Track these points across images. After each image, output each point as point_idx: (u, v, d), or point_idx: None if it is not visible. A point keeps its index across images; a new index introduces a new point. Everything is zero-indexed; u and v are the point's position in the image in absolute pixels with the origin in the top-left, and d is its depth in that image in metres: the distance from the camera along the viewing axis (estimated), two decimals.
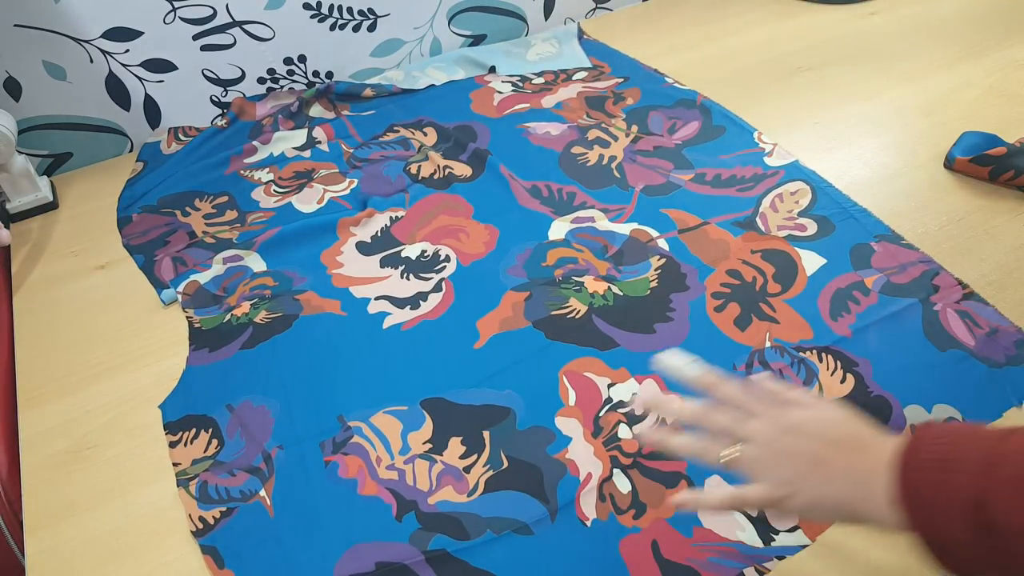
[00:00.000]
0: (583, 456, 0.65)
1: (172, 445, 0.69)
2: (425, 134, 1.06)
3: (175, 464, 0.67)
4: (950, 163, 0.91)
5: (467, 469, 0.65)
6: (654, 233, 0.86)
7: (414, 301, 0.81)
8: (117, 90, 1.04)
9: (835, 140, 0.99)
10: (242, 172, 1.02)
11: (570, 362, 0.73)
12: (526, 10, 1.27)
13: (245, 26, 1.06)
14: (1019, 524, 0.36)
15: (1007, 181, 0.86)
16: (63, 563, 0.61)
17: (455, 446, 0.67)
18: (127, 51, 1.01)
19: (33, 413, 0.73)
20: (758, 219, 0.87)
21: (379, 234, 0.90)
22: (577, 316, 0.77)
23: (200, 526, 0.62)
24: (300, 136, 1.07)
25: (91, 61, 0.99)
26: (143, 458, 0.68)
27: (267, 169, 1.02)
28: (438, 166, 0.99)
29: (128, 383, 0.75)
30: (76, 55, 0.98)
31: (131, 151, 1.11)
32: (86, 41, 0.97)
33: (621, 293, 0.79)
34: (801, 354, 0.72)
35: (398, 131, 1.07)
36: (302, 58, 1.13)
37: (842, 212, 0.86)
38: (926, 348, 0.71)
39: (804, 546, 0.58)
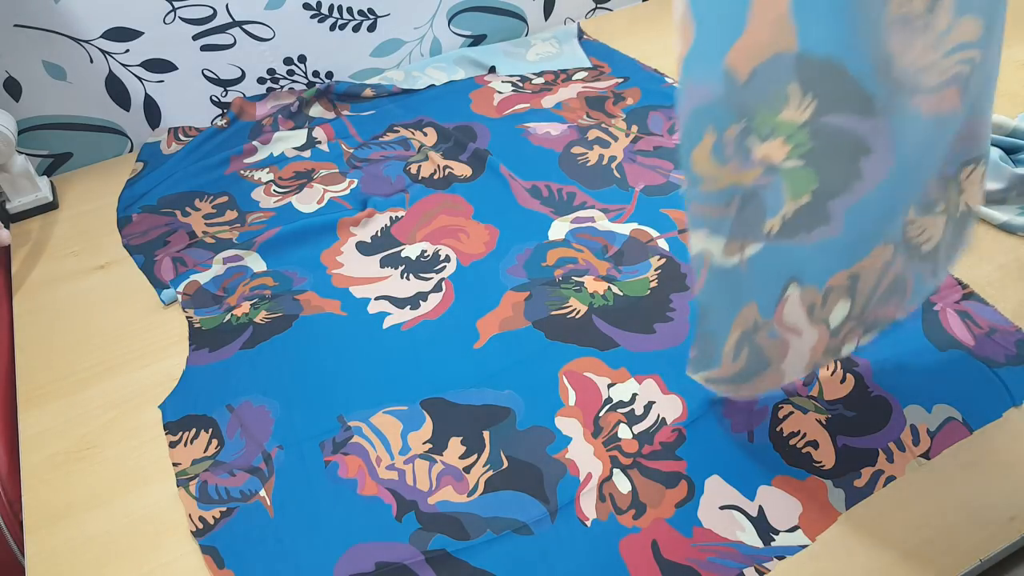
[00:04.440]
0: (583, 456, 0.65)
1: (172, 445, 0.69)
2: (425, 134, 1.06)
3: (175, 464, 0.67)
4: None
5: (467, 469, 0.65)
6: (654, 233, 0.86)
7: (414, 301, 0.81)
8: (117, 90, 1.04)
9: None
10: (242, 172, 1.02)
11: (570, 362, 0.73)
12: (526, 10, 1.27)
13: (245, 26, 1.06)
14: None
15: None
16: (63, 563, 0.61)
17: (455, 446, 0.67)
18: (127, 51, 1.01)
19: (33, 413, 0.73)
20: None
21: (379, 234, 0.90)
22: (577, 316, 0.77)
23: (200, 526, 0.62)
24: (300, 136, 1.07)
25: (91, 61, 0.99)
26: (143, 458, 0.68)
27: (267, 169, 1.02)
28: (438, 166, 0.99)
29: (128, 383, 0.75)
30: (76, 55, 0.98)
31: (131, 151, 1.11)
32: (86, 41, 0.97)
33: (621, 293, 0.79)
34: None
35: (398, 131, 1.07)
36: (302, 58, 1.13)
37: None
38: (926, 348, 0.71)
39: (804, 546, 0.58)
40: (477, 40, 1.27)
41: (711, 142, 0.48)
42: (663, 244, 0.84)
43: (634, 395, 0.70)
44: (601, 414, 0.68)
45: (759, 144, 0.47)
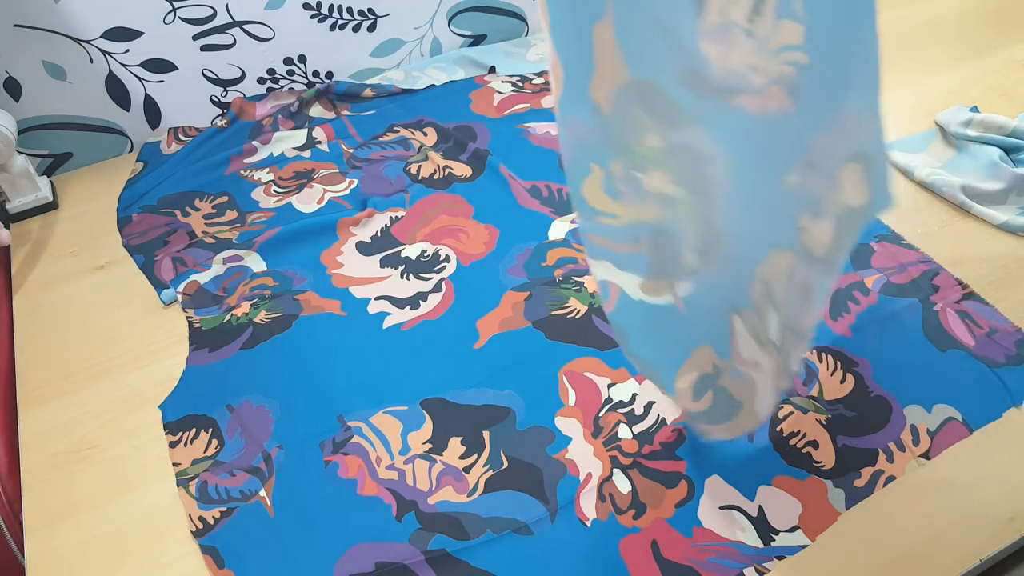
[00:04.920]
0: (583, 456, 0.65)
1: (172, 445, 0.69)
2: (425, 134, 1.06)
3: (175, 464, 0.67)
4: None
5: (467, 469, 0.65)
6: None
7: (414, 301, 0.81)
8: (117, 90, 1.04)
9: None
10: (242, 172, 1.02)
11: (570, 362, 0.73)
12: (526, 10, 1.27)
13: (245, 26, 1.06)
14: None
15: None
16: (63, 563, 0.61)
17: (455, 446, 0.67)
18: (127, 51, 1.01)
19: (33, 413, 0.73)
20: None
21: (379, 234, 0.90)
22: (577, 316, 0.77)
23: (200, 526, 0.62)
24: (300, 136, 1.07)
25: (91, 61, 0.99)
26: (143, 458, 0.68)
27: (267, 169, 1.02)
28: (438, 166, 0.99)
29: (128, 383, 0.75)
30: (76, 55, 0.98)
31: (131, 151, 1.11)
32: (86, 41, 0.97)
33: None
34: None
35: (398, 131, 1.07)
36: (302, 58, 1.13)
37: None
38: (926, 348, 0.71)
39: (804, 546, 0.58)
40: (477, 40, 1.27)
41: (600, 176, 0.51)
42: None
43: (634, 395, 0.70)
44: (601, 414, 0.68)
45: (643, 176, 0.50)
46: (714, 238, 0.50)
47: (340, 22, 1.12)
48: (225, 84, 1.11)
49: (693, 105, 0.46)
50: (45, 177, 1.03)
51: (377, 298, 0.82)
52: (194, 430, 0.70)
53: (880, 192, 0.57)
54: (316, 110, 1.13)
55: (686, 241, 0.51)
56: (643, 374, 0.63)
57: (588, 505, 0.62)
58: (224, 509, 0.63)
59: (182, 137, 1.09)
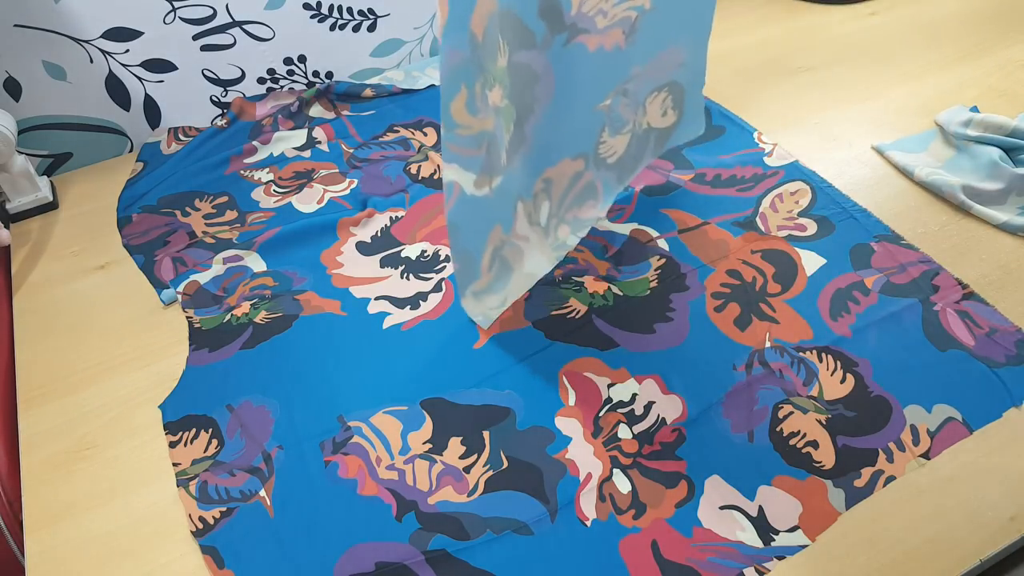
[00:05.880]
0: (583, 456, 0.65)
1: (172, 445, 0.69)
2: (425, 134, 1.06)
3: (175, 464, 0.67)
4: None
5: (467, 469, 0.65)
6: (654, 233, 0.86)
7: (414, 301, 0.81)
8: (117, 90, 1.04)
9: (835, 140, 0.99)
10: (242, 172, 1.02)
11: (570, 362, 0.73)
12: None
13: (245, 26, 1.06)
14: None
15: None
16: (63, 563, 0.61)
17: (455, 446, 0.67)
18: (127, 51, 1.01)
19: (33, 413, 0.73)
20: (758, 219, 0.87)
21: (379, 234, 0.90)
22: (577, 316, 0.77)
23: (200, 526, 0.62)
24: (300, 136, 1.07)
25: (91, 61, 0.99)
26: (143, 458, 0.68)
27: (267, 169, 1.02)
28: (438, 166, 0.99)
29: (128, 383, 0.75)
30: (76, 55, 0.98)
31: (131, 151, 1.11)
32: (86, 41, 0.97)
33: (621, 293, 0.79)
34: (801, 354, 0.72)
35: (398, 131, 1.07)
36: (302, 58, 1.13)
37: (842, 212, 0.87)
38: (926, 348, 0.71)
39: (804, 546, 0.58)
40: None
41: (465, 97, 0.61)
42: (663, 244, 0.85)
43: (634, 395, 0.70)
44: (601, 414, 0.68)
45: (490, 93, 0.60)
46: (519, 141, 0.61)
47: (340, 22, 1.12)
48: (225, 84, 1.11)
49: (544, 35, 0.56)
50: (45, 177, 1.03)
51: (377, 298, 0.82)
52: (194, 430, 0.70)
53: (691, 118, 0.74)
54: (316, 110, 1.13)
55: (503, 143, 0.62)
56: (458, 266, 0.73)
57: (588, 505, 0.62)
58: (224, 509, 0.63)
59: (182, 137, 1.09)
